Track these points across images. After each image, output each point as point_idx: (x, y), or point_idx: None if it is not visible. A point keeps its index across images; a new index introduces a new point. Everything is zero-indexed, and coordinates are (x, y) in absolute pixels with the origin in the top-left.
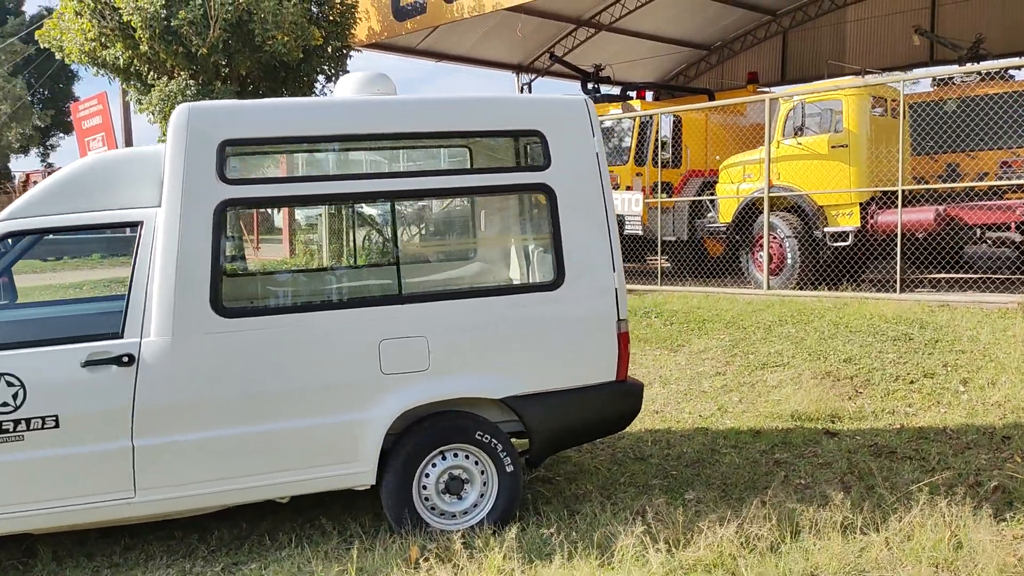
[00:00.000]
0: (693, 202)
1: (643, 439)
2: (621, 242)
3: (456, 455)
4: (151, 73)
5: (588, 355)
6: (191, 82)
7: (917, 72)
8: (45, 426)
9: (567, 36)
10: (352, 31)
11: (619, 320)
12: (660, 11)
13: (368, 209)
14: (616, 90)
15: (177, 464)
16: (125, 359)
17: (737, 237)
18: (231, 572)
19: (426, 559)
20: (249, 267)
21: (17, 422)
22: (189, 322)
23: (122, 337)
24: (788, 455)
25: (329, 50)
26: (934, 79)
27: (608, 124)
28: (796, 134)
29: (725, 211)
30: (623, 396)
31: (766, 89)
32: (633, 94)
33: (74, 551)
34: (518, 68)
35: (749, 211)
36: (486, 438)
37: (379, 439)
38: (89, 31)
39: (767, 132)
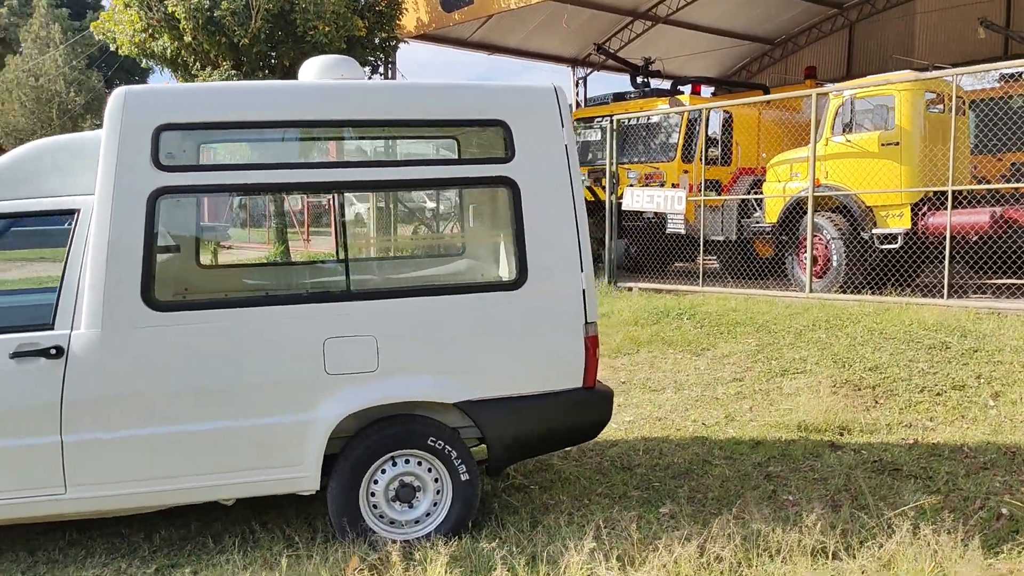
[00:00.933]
0: (742, 201)
1: (635, 447)
2: (665, 241)
3: (408, 461)
4: (196, 64)
5: (551, 360)
6: (234, 72)
7: (968, 68)
8: None
9: (623, 29)
10: (399, 21)
11: (587, 323)
12: (720, 3)
13: (317, 200)
14: (668, 85)
15: (107, 461)
16: (53, 351)
17: (783, 238)
18: (165, 574)
19: (362, 571)
20: (189, 258)
21: None
22: (119, 315)
23: (52, 328)
24: (783, 468)
25: (376, 41)
26: (1002, 75)
27: (656, 119)
28: (845, 131)
29: (771, 210)
30: (590, 404)
31: (826, 85)
32: (684, 89)
33: (15, 545)
34: (573, 62)
35: (795, 211)
36: (440, 444)
37: (322, 443)
38: (137, 23)
39: (813, 129)
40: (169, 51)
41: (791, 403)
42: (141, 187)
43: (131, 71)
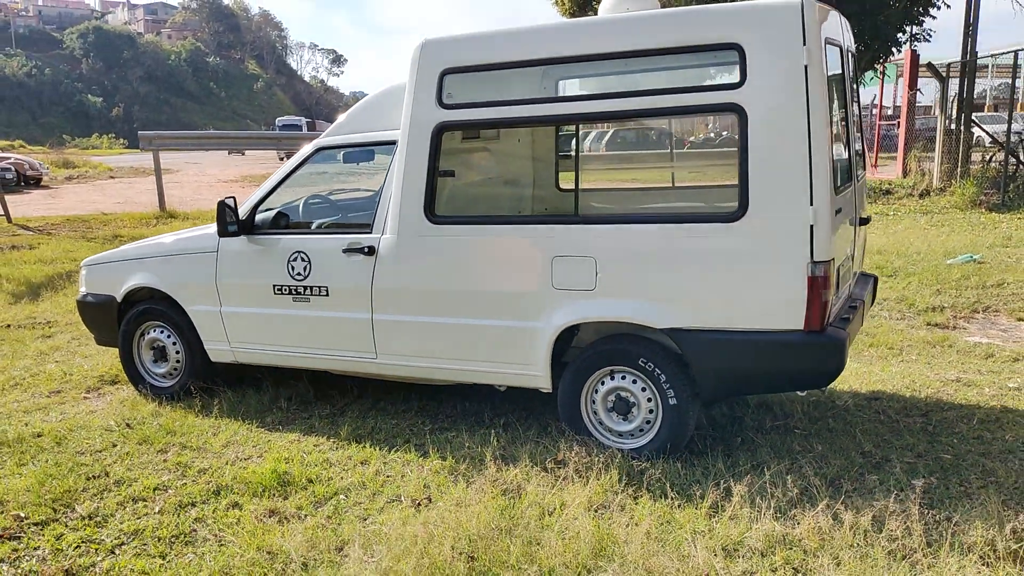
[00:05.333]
0: None
1: (989, 416)
2: None
3: (624, 377)
4: None
5: (767, 297)
6: None
7: None
8: (321, 294)
9: None
10: None
11: (812, 263)
12: None
13: (558, 131)
14: None
15: (399, 338)
16: (367, 250)
17: None
18: (436, 435)
19: (561, 463)
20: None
21: (305, 288)
22: (408, 225)
23: (371, 232)
24: None
25: None
26: None
27: None
28: None
29: None
30: (811, 349)
31: None
32: None
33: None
34: None
35: None
36: (649, 366)
37: (548, 347)
38: None
39: None
40: None
41: None
42: (428, 123)
43: None
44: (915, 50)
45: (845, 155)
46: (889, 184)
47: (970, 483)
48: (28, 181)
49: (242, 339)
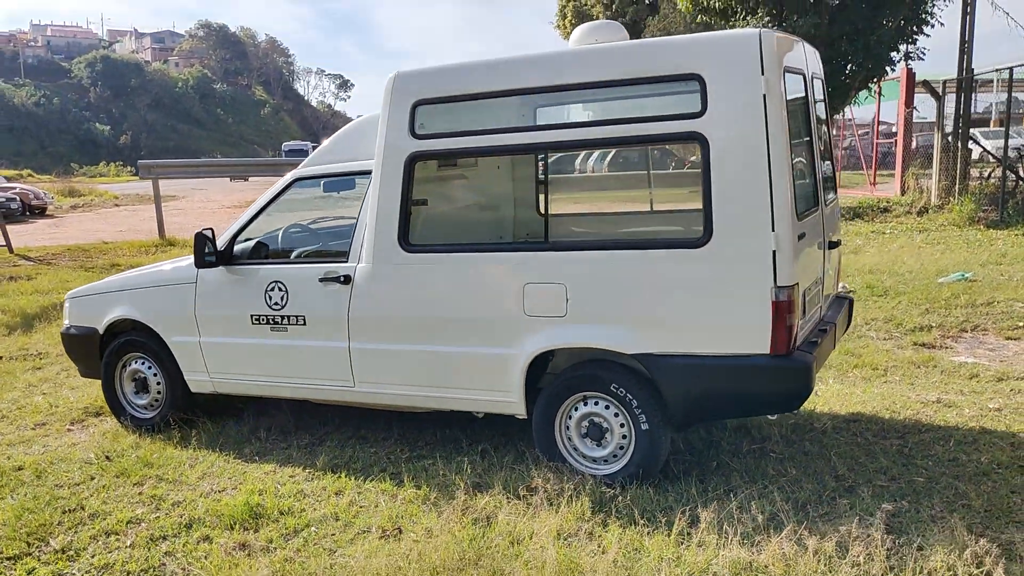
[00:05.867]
0: None
1: (967, 439)
2: None
3: (597, 403)
4: (741, 12)
5: (733, 322)
6: (767, 20)
7: None
8: (298, 323)
9: None
10: None
11: (776, 287)
12: None
13: (524, 159)
14: None
15: (375, 366)
16: (343, 279)
17: None
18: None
19: (533, 490)
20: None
21: (282, 318)
22: (383, 254)
23: (347, 261)
24: None
25: None
26: None
27: None
28: None
29: None
30: (777, 373)
31: None
32: None
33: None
34: None
35: None
36: (621, 391)
37: (522, 374)
38: None
39: None
40: (715, 2)
41: None
42: (401, 153)
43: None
44: (911, 68)
45: (810, 180)
46: (887, 202)
47: (940, 507)
48: (33, 211)
49: (221, 370)
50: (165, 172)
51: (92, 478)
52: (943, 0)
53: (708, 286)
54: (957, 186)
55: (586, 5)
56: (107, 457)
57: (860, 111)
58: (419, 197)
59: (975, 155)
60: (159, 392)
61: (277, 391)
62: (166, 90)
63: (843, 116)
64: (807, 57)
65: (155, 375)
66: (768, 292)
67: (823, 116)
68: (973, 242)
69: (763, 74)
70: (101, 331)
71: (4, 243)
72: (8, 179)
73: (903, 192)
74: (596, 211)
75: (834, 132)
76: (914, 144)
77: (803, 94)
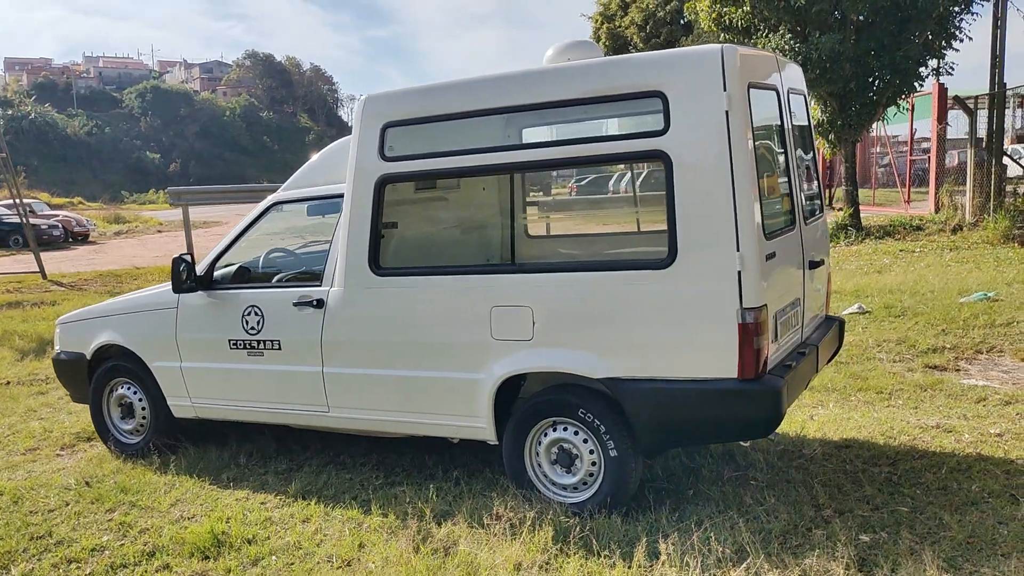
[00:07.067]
0: None
1: (961, 465)
2: None
3: (566, 429)
4: (763, 29)
5: (700, 345)
6: (790, 36)
7: None
8: (274, 347)
9: None
10: None
11: (742, 309)
12: None
13: (489, 181)
14: None
15: (348, 391)
16: (316, 303)
17: None
18: (373, 490)
19: (497, 518)
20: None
21: (259, 342)
22: (354, 277)
23: (321, 285)
24: None
25: None
26: None
27: None
28: None
29: None
30: (745, 398)
31: None
32: None
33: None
34: None
35: None
36: (589, 417)
37: (491, 399)
38: None
39: None
40: (738, 21)
41: None
42: (372, 175)
43: None
44: (943, 83)
45: (785, 199)
46: (920, 220)
47: (919, 538)
48: (76, 237)
49: (202, 395)
50: (194, 199)
51: (67, 504)
52: (971, 15)
53: (674, 308)
54: (992, 203)
55: (620, 27)
56: (86, 483)
57: (901, 128)
58: (389, 220)
59: (1017, 171)
60: (144, 417)
61: (256, 416)
62: (214, 119)
63: (882, 133)
64: (782, 73)
65: (140, 400)
66: (734, 314)
67: (804, 133)
68: (1004, 260)
69: (725, 90)
70: (89, 356)
71: (38, 269)
72: (53, 206)
73: (937, 210)
74: (565, 232)
75: (876, 150)
76: (955, 161)
77: (777, 111)
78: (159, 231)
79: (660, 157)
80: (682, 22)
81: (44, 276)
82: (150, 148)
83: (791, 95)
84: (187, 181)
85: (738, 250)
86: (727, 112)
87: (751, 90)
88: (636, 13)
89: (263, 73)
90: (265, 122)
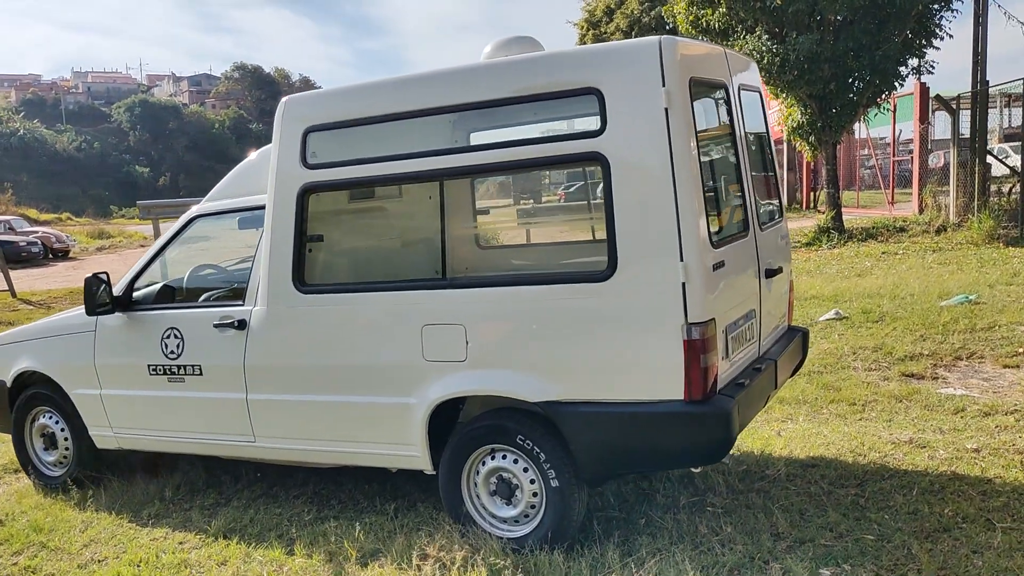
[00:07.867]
0: None
1: (934, 485)
2: None
3: (504, 457)
4: (740, 31)
5: (642, 365)
6: (767, 36)
7: None
8: (195, 373)
9: None
10: None
11: (687, 324)
12: None
13: (418, 189)
14: None
15: (275, 419)
16: (237, 324)
17: None
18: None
19: (424, 557)
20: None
21: (179, 367)
22: (277, 295)
23: (243, 305)
24: None
25: None
26: None
27: None
28: None
29: None
30: (692, 421)
31: None
32: None
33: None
34: None
35: None
36: (528, 444)
37: (424, 425)
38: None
39: None
40: (715, 22)
41: None
42: (293, 184)
43: None
44: (924, 83)
45: (737, 203)
46: (904, 221)
47: (888, 571)
48: (56, 253)
49: (123, 424)
50: (164, 211)
51: None
52: (951, 11)
53: (614, 325)
54: (976, 203)
55: (605, 33)
56: (0, 521)
57: (887, 130)
58: (314, 232)
59: (1002, 170)
60: (67, 449)
61: (180, 447)
62: (203, 131)
63: (865, 135)
64: (731, 67)
65: (63, 431)
66: (679, 329)
67: (758, 131)
68: (987, 261)
69: (664, 86)
70: (9, 384)
71: (7, 287)
72: (40, 222)
73: (921, 210)
74: (526, 243)
75: (864, 152)
76: (941, 162)
77: (727, 108)
78: (142, 245)
79: (597, 159)
80: (667, 28)
81: (13, 294)
82: (139, 162)
83: (743, 91)
84: (177, 194)
85: (681, 260)
86: (667, 109)
87: (695, 86)
88: (621, 19)
89: (252, 85)
90: (255, 134)
